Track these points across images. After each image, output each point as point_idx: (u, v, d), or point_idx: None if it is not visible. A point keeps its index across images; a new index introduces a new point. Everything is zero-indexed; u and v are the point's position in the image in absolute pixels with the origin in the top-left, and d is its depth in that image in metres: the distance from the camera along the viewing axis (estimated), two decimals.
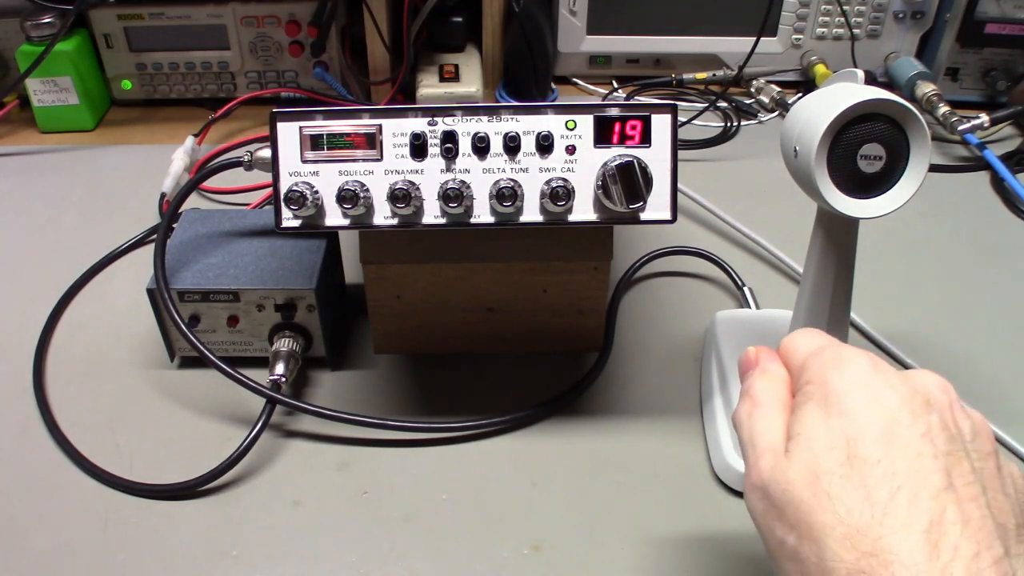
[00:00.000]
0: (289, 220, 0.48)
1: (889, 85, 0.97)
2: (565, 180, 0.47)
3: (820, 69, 0.97)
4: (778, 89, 0.95)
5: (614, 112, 0.47)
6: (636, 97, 0.98)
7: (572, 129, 0.47)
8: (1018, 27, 0.91)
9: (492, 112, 0.47)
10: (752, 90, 0.97)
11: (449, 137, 0.47)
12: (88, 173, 0.84)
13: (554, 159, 0.47)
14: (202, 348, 0.54)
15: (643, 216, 0.47)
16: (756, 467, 0.32)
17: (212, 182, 0.71)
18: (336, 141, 0.47)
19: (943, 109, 0.87)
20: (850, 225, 0.45)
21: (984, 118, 0.85)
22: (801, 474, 0.30)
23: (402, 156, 0.47)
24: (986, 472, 0.30)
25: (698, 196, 0.76)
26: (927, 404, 0.31)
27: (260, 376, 0.54)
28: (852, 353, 0.33)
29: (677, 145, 0.47)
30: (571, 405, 0.58)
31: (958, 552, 0.26)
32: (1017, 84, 0.94)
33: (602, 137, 0.47)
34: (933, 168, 0.83)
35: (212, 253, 0.59)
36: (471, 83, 0.90)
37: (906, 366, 0.60)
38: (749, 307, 0.64)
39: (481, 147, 0.47)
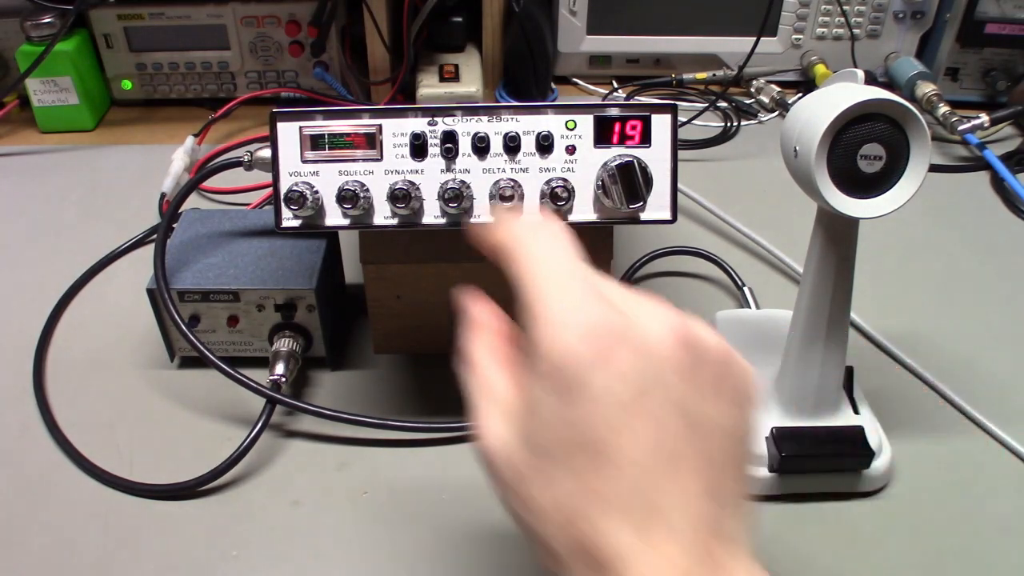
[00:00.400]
0: (289, 220, 0.48)
1: (889, 85, 0.97)
2: (565, 180, 0.47)
3: (820, 69, 0.97)
4: (778, 89, 0.95)
5: (614, 112, 0.47)
6: (636, 97, 0.98)
7: (572, 129, 0.47)
8: (1018, 27, 0.91)
9: (492, 112, 0.47)
10: (752, 90, 0.97)
11: (449, 137, 0.47)
12: (88, 173, 0.84)
13: (554, 159, 0.47)
14: (202, 348, 0.54)
15: (643, 216, 0.47)
16: (477, 426, 0.32)
17: (212, 182, 0.71)
18: (336, 141, 0.47)
19: (943, 109, 0.87)
20: (850, 225, 0.45)
21: (984, 118, 0.85)
22: (520, 445, 0.30)
23: (402, 156, 0.47)
24: (715, 444, 0.29)
25: (698, 196, 0.76)
26: (659, 381, 0.28)
27: (260, 376, 0.54)
28: (575, 306, 0.29)
29: (677, 145, 0.47)
30: None
31: (672, 534, 0.27)
32: (1017, 84, 0.94)
33: (602, 137, 0.47)
34: (933, 168, 0.83)
35: (212, 253, 0.59)
36: (471, 83, 0.90)
37: (906, 366, 0.60)
38: (749, 307, 0.64)
39: (481, 147, 0.47)
